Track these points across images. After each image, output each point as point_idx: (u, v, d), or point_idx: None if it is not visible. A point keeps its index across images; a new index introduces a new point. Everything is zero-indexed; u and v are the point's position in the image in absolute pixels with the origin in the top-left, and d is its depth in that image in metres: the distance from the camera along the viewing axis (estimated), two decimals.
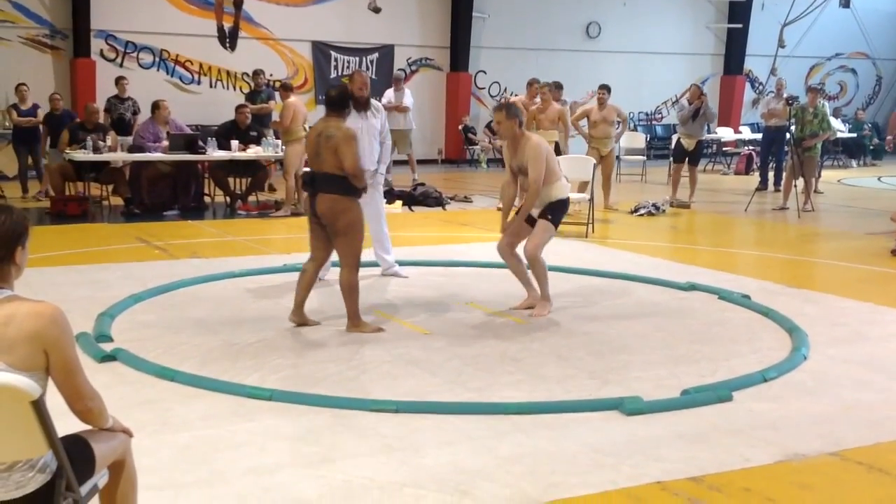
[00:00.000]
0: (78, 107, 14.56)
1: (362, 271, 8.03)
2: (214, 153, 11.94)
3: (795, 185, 12.73)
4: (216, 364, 5.32)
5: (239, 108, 12.89)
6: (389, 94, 15.52)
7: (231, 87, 17.74)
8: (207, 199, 12.69)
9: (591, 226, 10.61)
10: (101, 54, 16.61)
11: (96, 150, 11.39)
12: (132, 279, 7.48)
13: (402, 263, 8.11)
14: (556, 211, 6.68)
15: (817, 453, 4.17)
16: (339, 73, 18.57)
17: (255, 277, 7.71)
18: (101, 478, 2.82)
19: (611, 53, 21.39)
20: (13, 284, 2.66)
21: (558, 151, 11.34)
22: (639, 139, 18.14)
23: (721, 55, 23.30)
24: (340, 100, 6.20)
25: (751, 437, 4.33)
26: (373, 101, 7.72)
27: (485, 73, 20.49)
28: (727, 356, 5.67)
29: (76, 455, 2.65)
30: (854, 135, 21.37)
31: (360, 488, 3.70)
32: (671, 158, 14.47)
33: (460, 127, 19.84)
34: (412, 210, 12.50)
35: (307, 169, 6.27)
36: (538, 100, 12.31)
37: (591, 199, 10.91)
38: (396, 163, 15.89)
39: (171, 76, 17.33)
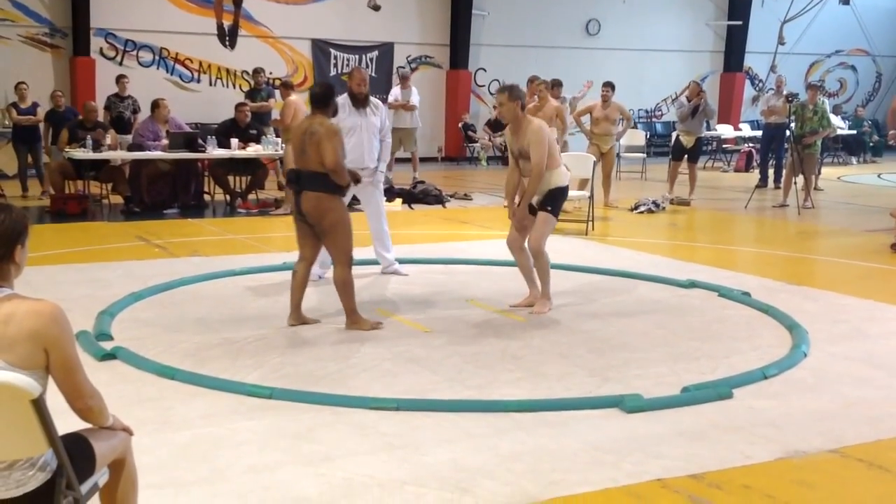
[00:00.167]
0: (77, 105, 14.55)
1: (362, 269, 8.08)
2: (214, 151, 11.93)
3: (795, 183, 12.73)
4: (216, 362, 5.32)
5: (238, 106, 12.89)
6: (396, 92, 15.52)
7: (231, 86, 17.73)
8: (207, 198, 12.68)
9: (591, 223, 10.61)
10: (101, 53, 16.60)
11: (96, 148, 11.38)
12: (132, 277, 7.48)
13: (402, 261, 8.11)
14: (555, 199, 6.65)
15: (818, 450, 4.17)
16: (339, 71, 18.56)
17: (255, 275, 7.72)
18: (101, 476, 2.83)
19: (611, 51, 21.37)
20: (13, 283, 2.66)
21: None
22: (639, 136, 18.14)
23: (721, 52, 23.29)
24: (323, 96, 6.15)
25: (751, 434, 4.33)
26: (372, 98, 7.71)
27: (484, 70, 20.48)
28: (727, 353, 5.67)
29: (76, 453, 2.65)
30: (854, 132, 21.37)
31: (360, 486, 3.70)
32: (670, 156, 14.46)
33: (460, 125, 19.83)
34: (412, 208, 12.49)
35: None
36: (537, 97, 12.29)
37: (592, 197, 10.90)
38: (400, 160, 15.96)
39: (171, 74, 17.32)
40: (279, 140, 12.29)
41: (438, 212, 12.32)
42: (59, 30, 16.26)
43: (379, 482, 3.74)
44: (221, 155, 11.99)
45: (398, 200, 12.58)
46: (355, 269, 8.01)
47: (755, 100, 23.07)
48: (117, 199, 12.08)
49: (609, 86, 12.96)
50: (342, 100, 7.64)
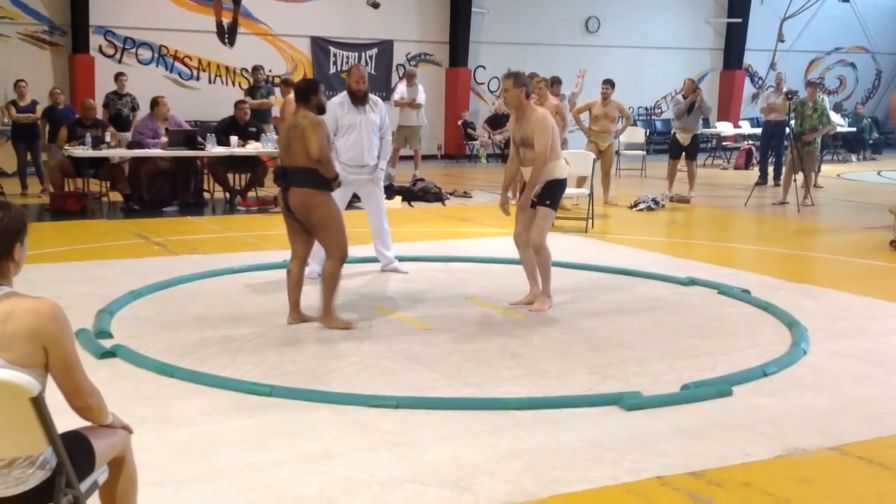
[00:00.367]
0: (76, 103, 14.54)
1: (362, 267, 8.08)
2: (213, 149, 11.92)
3: (795, 180, 12.73)
4: (216, 360, 5.32)
5: (238, 103, 12.89)
6: (402, 90, 15.54)
7: (230, 83, 17.72)
8: (207, 195, 12.68)
9: (590, 221, 10.61)
10: (100, 50, 16.59)
11: (95, 146, 11.38)
12: (131, 275, 7.48)
13: (401, 259, 8.10)
14: (553, 192, 6.62)
15: (817, 448, 4.17)
16: (339, 69, 18.55)
17: (254, 273, 7.71)
18: (101, 474, 2.82)
19: (610, 48, 21.36)
20: (12, 281, 2.66)
21: None
22: (638, 134, 18.13)
23: (720, 50, 23.27)
24: (305, 90, 6.10)
25: (751, 431, 4.33)
26: (371, 95, 7.70)
27: (484, 68, 20.46)
28: (727, 351, 5.67)
29: (76, 451, 2.64)
30: (854, 129, 21.37)
31: (360, 484, 3.70)
32: (669, 154, 14.45)
33: (460, 122, 19.82)
34: (412, 206, 12.49)
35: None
36: (536, 95, 12.28)
37: (591, 194, 10.90)
38: (404, 157, 15.98)
39: (170, 72, 17.31)
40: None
41: (438, 209, 12.32)
42: (59, 27, 16.25)
43: (379, 480, 3.74)
44: (221, 152, 11.99)
45: (398, 198, 12.58)
46: (355, 268, 8.07)
47: (755, 97, 23.06)
48: (117, 197, 12.08)
49: (609, 83, 12.94)
50: (341, 97, 7.65)
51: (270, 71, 16.94)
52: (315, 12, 18.46)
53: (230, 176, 12.49)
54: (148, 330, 5.96)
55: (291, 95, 12.06)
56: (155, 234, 9.72)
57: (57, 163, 11.93)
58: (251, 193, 12.52)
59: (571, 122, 13.09)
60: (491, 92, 20.42)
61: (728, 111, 22.52)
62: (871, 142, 22.28)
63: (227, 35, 17.77)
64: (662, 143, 20.65)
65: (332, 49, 18.78)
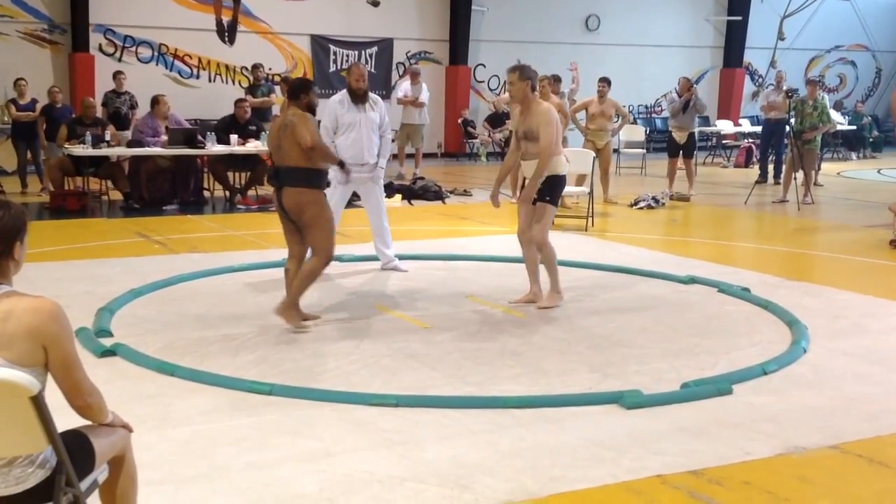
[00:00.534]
0: (76, 101, 14.54)
1: (362, 266, 8.09)
2: (213, 147, 11.92)
3: (795, 178, 12.73)
4: (216, 358, 5.32)
5: (238, 102, 12.88)
6: (406, 88, 15.55)
7: (230, 82, 17.71)
8: (207, 194, 12.68)
9: (590, 219, 10.60)
10: (100, 49, 16.58)
11: (95, 144, 11.37)
12: (132, 274, 7.48)
13: (401, 257, 8.10)
14: (553, 188, 6.61)
15: (817, 446, 4.17)
16: (339, 67, 18.54)
17: (254, 272, 7.71)
18: (101, 473, 2.82)
19: (610, 46, 21.35)
20: (12, 280, 2.66)
21: None
22: (638, 132, 18.12)
23: (721, 48, 23.26)
24: (297, 88, 6.07)
25: (751, 430, 4.33)
26: (371, 94, 7.70)
27: (484, 66, 20.45)
28: (727, 349, 5.67)
29: (76, 450, 2.65)
30: (854, 127, 21.36)
31: (360, 482, 3.70)
32: (667, 152, 14.44)
33: (460, 120, 19.81)
34: (412, 204, 12.49)
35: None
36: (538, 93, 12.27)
37: (591, 193, 10.90)
38: (409, 156, 15.98)
39: (170, 70, 17.30)
40: None
41: (438, 208, 12.31)
42: (58, 26, 16.23)
43: (379, 478, 3.74)
44: (221, 151, 11.98)
45: (398, 196, 12.58)
46: (355, 266, 8.08)
47: (755, 95, 23.06)
48: (117, 196, 12.08)
49: (605, 81, 12.93)
50: (341, 96, 7.65)
51: (270, 69, 16.93)
52: (315, 10, 18.45)
53: (230, 174, 12.48)
54: (148, 328, 5.96)
55: None
56: (155, 233, 9.72)
57: (57, 161, 11.93)
58: (251, 192, 12.52)
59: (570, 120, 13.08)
60: (491, 90, 20.41)
61: (728, 109, 22.51)
62: (871, 140, 22.27)
63: (227, 33, 17.76)
64: (662, 141, 20.59)
65: (332, 47, 18.77)
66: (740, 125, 21.25)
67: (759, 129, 17.98)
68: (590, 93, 13.43)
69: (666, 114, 22.05)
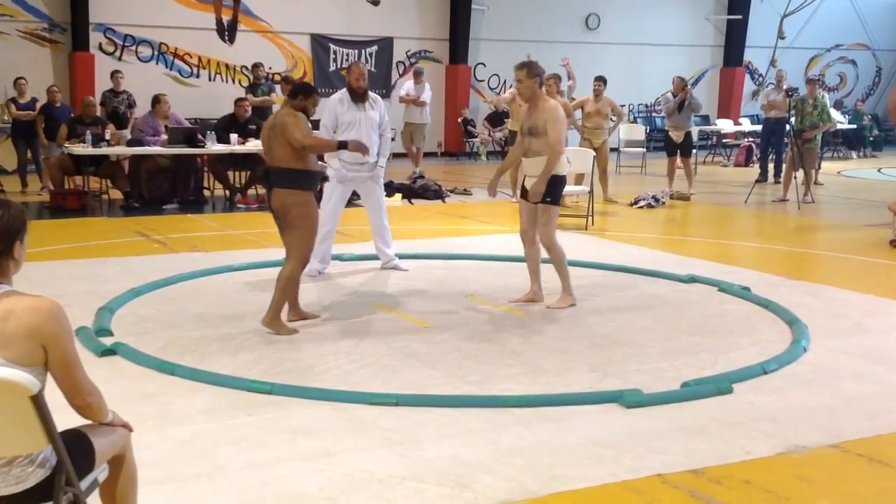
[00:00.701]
0: (76, 100, 14.54)
1: (362, 265, 8.09)
2: (214, 146, 11.92)
3: (795, 177, 12.72)
4: (216, 358, 5.32)
5: (238, 101, 12.88)
6: (409, 87, 15.56)
7: (230, 81, 17.71)
8: (207, 193, 12.68)
9: (590, 218, 10.61)
10: (100, 48, 16.58)
11: (95, 143, 11.37)
12: (132, 273, 7.48)
13: (401, 257, 8.10)
14: (554, 188, 6.57)
15: (817, 445, 4.17)
16: (339, 66, 18.54)
17: (254, 271, 7.70)
18: (101, 472, 2.82)
19: (610, 45, 21.35)
20: (11, 279, 2.66)
21: None
22: (638, 131, 18.12)
23: (721, 47, 23.26)
24: (297, 90, 6.02)
25: (751, 429, 4.33)
26: (371, 93, 7.70)
27: (484, 65, 20.45)
28: (727, 348, 5.67)
29: (76, 450, 2.64)
30: (854, 126, 21.36)
31: (360, 482, 3.70)
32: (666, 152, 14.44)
33: (460, 119, 19.81)
34: (411, 203, 12.49)
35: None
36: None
37: (591, 192, 10.89)
38: (406, 155, 15.96)
39: (170, 69, 17.30)
40: None
41: (438, 207, 12.31)
42: (58, 25, 16.24)
43: (379, 478, 3.74)
44: (221, 150, 11.99)
45: (398, 195, 12.58)
46: (355, 265, 8.08)
47: (755, 94, 23.06)
48: (117, 195, 12.09)
49: (601, 80, 12.92)
50: (341, 94, 7.65)
51: (270, 68, 16.93)
52: (315, 9, 18.45)
53: (230, 173, 12.49)
54: (148, 328, 5.96)
55: None
56: (155, 232, 9.72)
57: (57, 160, 11.93)
58: (251, 191, 12.52)
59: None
60: (491, 89, 20.40)
61: (728, 108, 22.50)
62: (871, 139, 22.27)
63: (227, 32, 17.76)
64: (662, 140, 20.62)
65: (333, 46, 18.77)
66: (740, 124, 21.25)
67: (759, 128, 17.99)
68: (587, 89, 13.39)
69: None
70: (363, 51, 19.06)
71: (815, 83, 13.92)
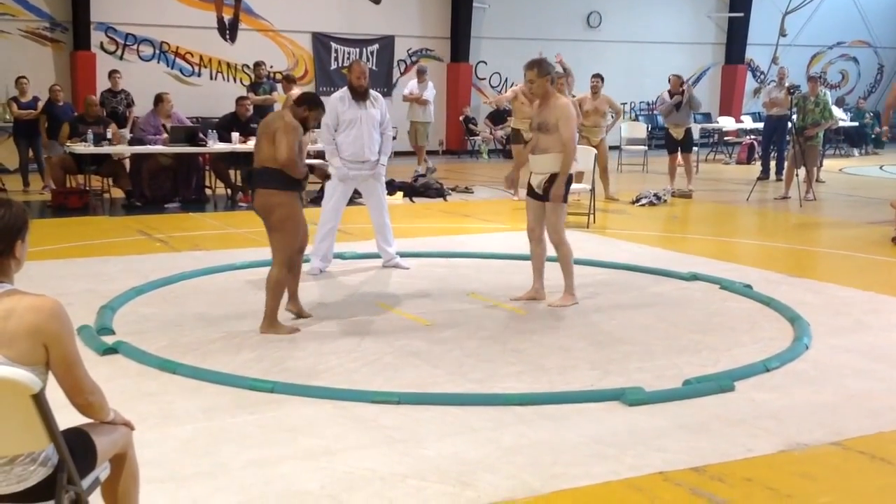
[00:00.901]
0: (78, 100, 14.54)
1: (364, 263, 8.09)
2: (215, 145, 11.92)
3: (797, 175, 12.71)
4: (218, 356, 5.32)
5: (239, 100, 12.88)
6: (412, 86, 15.58)
7: (231, 79, 17.71)
8: (208, 192, 12.68)
9: (592, 216, 10.60)
10: (102, 47, 16.58)
11: (97, 142, 11.38)
12: (133, 272, 7.48)
13: (403, 255, 8.10)
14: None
15: (819, 443, 4.17)
16: (340, 65, 18.54)
17: (256, 269, 7.68)
18: (102, 471, 2.83)
19: (611, 43, 21.33)
20: (13, 278, 2.66)
21: None
22: (640, 129, 18.09)
23: (722, 44, 23.24)
24: (304, 99, 6.00)
25: (753, 426, 4.33)
26: (372, 91, 7.70)
27: (485, 63, 20.44)
28: (729, 346, 5.67)
29: (77, 448, 2.65)
30: (856, 123, 21.35)
31: (361, 480, 3.70)
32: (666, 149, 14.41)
33: (461, 118, 19.81)
34: (413, 201, 12.49)
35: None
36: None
37: (593, 190, 10.89)
38: (408, 153, 15.97)
39: (172, 68, 17.30)
40: None
41: (439, 205, 12.31)
42: (60, 24, 16.24)
43: (380, 476, 3.74)
44: (222, 149, 11.99)
45: (399, 194, 12.58)
46: (356, 264, 8.08)
47: (757, 92, 23.03)
48: (118, 194, 12.09)
49: (598, 77, 12.89)
50: (342, 93, 7.65)
51: (272, 67, 16.93)
52: (316, 8, 18.45)
53: (232, 172, 12.49)
54: (150, 326, 5.96)
55: (294, 91, 12.15)
56: (156, 231, 9.72)
57: (59, 159, 11.94)
58: None
59: None
60: (492, 87, 20.39)
61: (730, 106, 22.48)
62: (873, 136, 22.25)
63: (228, 31, 17.76)
64: (664, 138, 20.62)
65: (334, 45, 18.77)
66: (742, 122, 21.23)
67: (760, 125, 17.98)
68: (585, 86, 13.36)
69: None
70: (364, 49, 19.05)
71: (816, 80, 13.91)
